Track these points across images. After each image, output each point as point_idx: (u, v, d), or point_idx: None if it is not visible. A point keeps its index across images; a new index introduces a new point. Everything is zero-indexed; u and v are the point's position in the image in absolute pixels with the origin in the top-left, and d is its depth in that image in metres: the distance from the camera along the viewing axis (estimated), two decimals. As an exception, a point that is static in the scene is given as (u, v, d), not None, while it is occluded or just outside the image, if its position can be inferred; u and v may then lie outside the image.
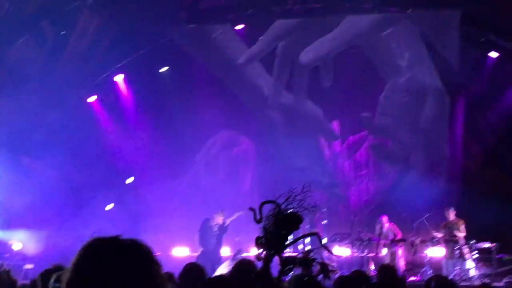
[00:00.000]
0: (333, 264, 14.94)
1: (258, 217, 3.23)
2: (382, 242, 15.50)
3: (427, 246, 15.40)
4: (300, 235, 3.65)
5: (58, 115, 16.12)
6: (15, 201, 14.79)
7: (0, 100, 14.07)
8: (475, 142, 17.73)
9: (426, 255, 15.40)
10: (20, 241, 15.59)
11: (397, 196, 16.91)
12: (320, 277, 3.53)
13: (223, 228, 15.20)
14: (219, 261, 14.78)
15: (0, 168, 14.78)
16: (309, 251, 3.32)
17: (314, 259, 3.31)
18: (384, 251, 15.59)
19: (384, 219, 15.65)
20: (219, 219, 15.21)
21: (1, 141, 14.44)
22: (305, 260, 3.21)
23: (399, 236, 15.50)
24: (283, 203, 3.26)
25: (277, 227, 3.21)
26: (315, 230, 15.86)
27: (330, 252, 3.61)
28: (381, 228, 15.59)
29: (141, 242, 2.05)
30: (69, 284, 1.93)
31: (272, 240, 3.23)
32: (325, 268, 3.33)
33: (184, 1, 17.07)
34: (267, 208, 3.32)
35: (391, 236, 15.47)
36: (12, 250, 15.39)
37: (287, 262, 3.16)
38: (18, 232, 15.56)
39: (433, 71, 17.18)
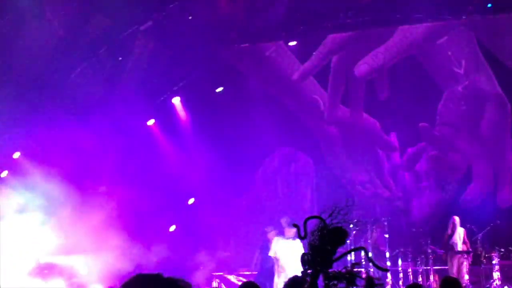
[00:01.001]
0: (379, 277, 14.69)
1: (302, 233, 3.23)
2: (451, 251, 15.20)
3: (494, 257, 15.01)
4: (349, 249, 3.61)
5: (120, 141, 16.42)
6: (79, 226, 15.10)
7: (62, 127, 14.41)
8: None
9: (494, 266, 15.00)
10: (86, 265, 15.88)
11: (460, 207, 16.59)
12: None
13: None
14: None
15: (66, 194, 15.11)
16: (354, 264, 3.29)
17: (358, 273, 3.27)
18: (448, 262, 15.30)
19: (457, 218, 15.33)
20: (272, 235, 15.11)
21: (68, 167, 14.77)
22: (349, 275, 3.17)
23: (467, 245, 15.20)
24: (327, 218, 3.24)
25: (322, 242, 3.20)
26: (376, 244, 15.70)
27: (377, 267, 3.54)
28: (453, 227, 15.28)
29: (179, 280, 2.11)
30: None
31: (317, 256, 3.22)
32: (371, 282, 3.29)
33: (236, 22, 17.23)
34: (311, 224, 3.31)
35: (461, 239, 15.15)
36: (79, 274, 15.68)
37: (331, 278, 3.14)
38: (83, 257, 15.87)
39: (491, 77, 16.83)
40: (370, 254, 15.18)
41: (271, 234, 15.17)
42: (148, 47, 16.26)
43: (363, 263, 14.05)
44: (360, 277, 3.28)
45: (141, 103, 16.97)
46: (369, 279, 3.35)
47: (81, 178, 15.63)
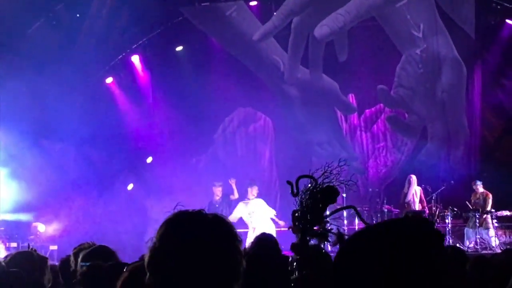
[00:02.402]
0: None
1: (295, 190, 3.31)
2: (404, 211, 15.58)
3: (447, 216, 15.47)
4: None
5: (76, 98, 16.20)
6: (37, 183, 14.97)
7: (18, 85, 14.14)
8: (493, 111, 17.68)
9: (447, 225, 15.47)
10: (43, 223, 15.80)
11: (416, 168, 16.98)
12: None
13: (226, 198, 15.30)
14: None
15: (22, 152, 14.93)
16: (325, 222, 3.37)
17: (329, 230, 3.37)
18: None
19: (414, 177, 15.69)
20: (218, 191, 15.30)
21: (22, 126, 14.55)
22: (321, 231, 3.28)
23: (424, 203, 15.61)
24: (319, 177, 3.33)
25: (313, 200, 3.29)
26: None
27: (366, 224, 3.63)
28: (409, 186, 15.64)
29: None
30: (153, 256, 2.02)
31: (308, 213, 3.31)
32: (341, 239, 3.40)
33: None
34: (302, 183, 3.39)
35: (417, 198, 15.54)
36: (37, 232, 15.60)
37: (308, 233, 3.24)
38: (41, 214, 15.76)
39: (449, 41, 17.07)
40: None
41: (217, 189, 15.33)
42: (107, 4, 15.97)
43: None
44: (333, 233, 3.39)
45: (100, 61, 16.75)
46: (340, 235, 3.45)
47: (38, 135, 15.44)
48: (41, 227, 15.78)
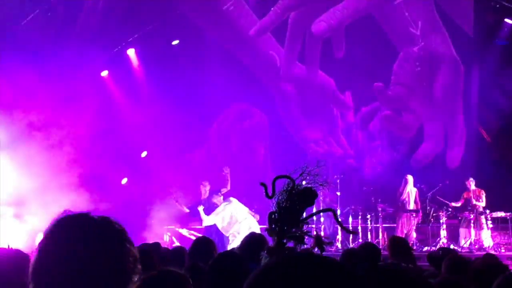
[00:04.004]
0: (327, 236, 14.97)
1: (270, 192, 3.20)
2: (399, 210, 15.52)
3: (442, 216, 15.38)
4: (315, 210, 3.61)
5: (72, 90, 16.10)
6: (27, 176, 14.85)
7: (13, 74, 14.02)
8: (490, 111, 17.57)
9: (441, 225, 15.38)
10: (32, 216, 15.66)
11: (411, 167, 16.90)
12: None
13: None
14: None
15: (14, 144, 14.81)
16: (303, 223, 3.27)
17: (306, 232, 3.28)
18: (396, 221, 15.64)
19: (410, 178, 15.60)
20: (204, 190, 15.14)
21: (15, 115, 14.44)
22: (299, 233, 3.18)
23: (418, 205, 15.53)
24: (297, 178, 3.22)
25: (291, 202, 3.18)
26: (326, 201, 15.88)
27: (346, 230, 3.56)
28: (404, 185, 15.56)
29: (112, 220, 2.00)
30: (36, 264, 1.89)
31: (285, 215, 3.21)
32: (319, 241, 3.30)
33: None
34: (280, 183, 3.29)
35: (412, 199, 15.46)
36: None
37: (274, 235, 3.14)
38: (29, 208, 15.64)
39: (447, 40, 16.98)
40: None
41: (204, 188, 15.18)
42: (103, -4, 15.87)
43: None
44: (310, 235, 3.29)
45: (95, 53, 16.63)
46: (318, 237, 3.36)
47: (31, 127, 15.33)
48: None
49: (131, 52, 17.94)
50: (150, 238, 15.81)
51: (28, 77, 14.21)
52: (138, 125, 18.35)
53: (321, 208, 10.75)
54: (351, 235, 15.48)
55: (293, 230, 3.21)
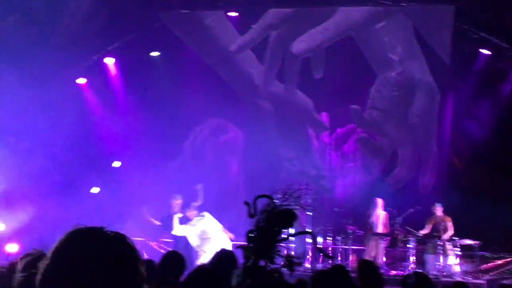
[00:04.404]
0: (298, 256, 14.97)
1: (252, 211, 3.21)
2: (367, 233, 15.57)
3: (411, 241, 15.47)
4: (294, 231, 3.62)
5: (47, 96, 15.97)
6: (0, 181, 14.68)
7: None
8: (463, 139, 17.80)
9: (409, 250, 15.48)
10: (2, 221, 15.46)
11: (383, 190, 16.98)
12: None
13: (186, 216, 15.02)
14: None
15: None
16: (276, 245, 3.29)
17: (278, 251, 3.29)
18: (365, 244, 15.70)
19: (379, 201, 15.68)
20: (176, 204, 14.91)
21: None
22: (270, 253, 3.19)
23: (387, 228, 15.60)
24: (279, 199, 3.23)
25: (269, 223, 3.19)
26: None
27: (325, 254, 3.58)
28: (374, 209, 15.63)
29: (126, 237, 1.99)
30: (46, 273, 1.87)
31: (263, 235, 3.21)
32: (290, 261, 3.32)
33: (177, -14, 16.94)
34: (261, 201, 3.29)
35: (381, 222, 15.53)
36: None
37: (251, 254, 3.15)
38: (1, 213, 15.43)
39: (424, 66, 17.19)
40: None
41: (176, 202, 14.99)
42: (85, 4, 15.78)
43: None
44: (280, 254, 3.30)
45: (73, 60, 16.52)
46: (288, 257, 3.38)
47: (3, 132, 15.17)
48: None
49: (109, 61, 17.84)
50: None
51: (5, 79, 14.10)
52: (113, 135, 18.25)
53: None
54: (320, 256, 15.51)
55: (270, 250, 3.22)
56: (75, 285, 1.82)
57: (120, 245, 1.93)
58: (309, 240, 15.20)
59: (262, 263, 3.29)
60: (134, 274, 1.90)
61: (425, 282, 6.30)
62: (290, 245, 15.48)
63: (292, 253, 14.28)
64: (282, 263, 3.30)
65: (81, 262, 1.84)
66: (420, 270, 14.41)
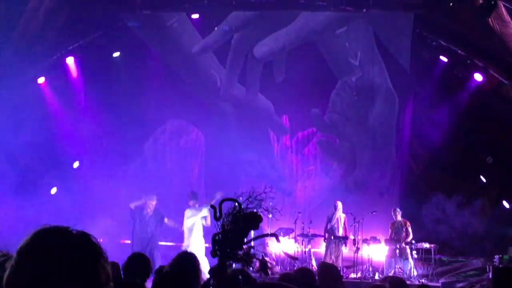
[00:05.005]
0: (273, 261, 15.13)
1: (218, 214, 3.26)
2: (327, 236, 15.71)
3: (369, 244, 15.67)
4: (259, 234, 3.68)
5: (6, 95, 15.76)
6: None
7: None
8: (421, 143, 18.11)
9: (368, 254, 15.68)
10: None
11: (343, 193, 17.15)
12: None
13: (158, 214, 15.04)
14: (157, 248, 14.80)
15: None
16: (250, 247, 3.36)
17: (254, 255, 3.36)
18: (325, 246, 15.84)
19: (339, 204, 15.83)
20: (151, 205, 14.99)
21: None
22: (245, 256, 3.25)
23: (346, 231, 15.77)
24: (243, 202, 3.28)
25: (235, 225, 3.24)
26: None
27: (290, 257, 3.66)
28: (334, 212, 15.76)
29: (90, 235, 2.02)
30: (11, 273, 1.88)
31: (229, 238, 3.26)
32: (264, 265, 3.39)
33: (140, -14, 16.87)
34: (226, 205, 3.35)
35: (341, 225, 15.68)
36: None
37: (229, 258, 3.21)
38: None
39: (384, 72, 17.45)
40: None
41: (151, 203, 15.05)
42: (45, 3, 15.61)
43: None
44: (257, 258, 3.37)
45: (33, 60, 16.32)
46: (263, 261, 3.45)
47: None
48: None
49: (70, 61, 17.66)
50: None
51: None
52: (73, 135, 18.07)
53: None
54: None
55: (238, 252, 3.28)
56: (40, 284, 1.84)
57: (84, 244, 1.95)
58: (270, 242, 15.29)
59: (238, 265, 3.34)
60: (99, 273, 1.93)
61: (401, 285, 6.34)
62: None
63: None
64: (255, 266, 3.37)
65: (46, 261, 1.86)
66: (377, 274, 14.67)
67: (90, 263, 1.91)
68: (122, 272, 5.74)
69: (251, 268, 3.42)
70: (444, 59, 17.06)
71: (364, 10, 16.59)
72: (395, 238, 15.41)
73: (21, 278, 1.86)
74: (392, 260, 15.32)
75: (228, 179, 17.03)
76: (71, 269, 1.87)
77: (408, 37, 16.54)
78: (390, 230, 15.64)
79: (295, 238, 16.09)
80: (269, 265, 3.46)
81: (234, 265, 3.38)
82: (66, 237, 1.94)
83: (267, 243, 15.43)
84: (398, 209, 15.75)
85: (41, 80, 17.33)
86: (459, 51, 16.62)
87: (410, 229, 15.45)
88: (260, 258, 3.32)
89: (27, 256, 1.89)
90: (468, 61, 16.65)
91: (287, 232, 16.19)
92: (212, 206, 3.27)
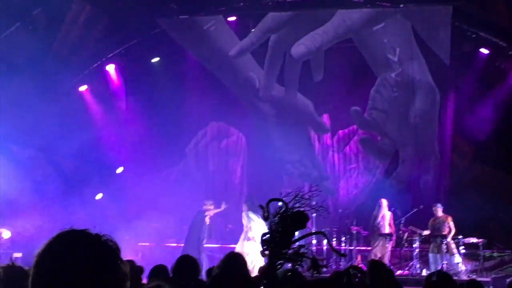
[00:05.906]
0: (323, 258, 15.09)
1: (266, 214, 3.28)
2: (373, 233, 15.62)
3: (415, 241, 15.52)
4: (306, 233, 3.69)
5: (49, 104, 16.03)
6: (4, 189, 14.73)
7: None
8: (464, 138, 17.86)
9: (414, 249, 15.53)
10: (9, 229, 15.52)
11: (386, 191, 17.03)
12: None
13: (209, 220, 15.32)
14: (204, 251, 15.01)
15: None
16: (300, 246, 3.37)
17: (304, 254, 3.36)
18: (371, 244, 15.75)
19: (384, 202, 15.71)
20: (211, 211, 15.31)
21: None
22: (295, 255, 3.26)
23: (392, 228, 15.65)
24: (290, 201, 3.30)
25: (283, 225, 3.26)
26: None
27: (335, 251, 3.66)
28: (379, 210, 15.67)
29: (108, 238, 2.06)
30: (35, 272, 1.95)
31: (277, 237, 3.28)
32: (315, 263, 3.39)
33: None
34: (273, 205, 3.37)
35: (387, 222, 15.58)
36: (1, 238, 15.32)
37: (279, 258, 3.22)
38: (5, 221, 15.49)
39: (424, 67, 17.23)
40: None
41: (211, 207, 15.32)
42: (85, 12, 15.86)
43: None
44: (307, 257, 3.38)
45: (75, 68, 16.60)
46: (314, 259, 3.45)
47: (7, 140, 15.23)
48: (5, 234, 15.49)
49: (110, 68, 17.92)
50: (124, 255, 15.75)
51: (7, 89, 14.17)
52: (115, 141, 18.31)
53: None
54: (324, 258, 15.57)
55: (285, 251, 3.29)
56: (58, 286, 1.90)
57: (100, 245, 2.00)
58: (314, 241, 15.29)
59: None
60: (115, 273, 1.98)
61: (448, 281, 6.24)
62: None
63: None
64: (307, 265, 3.38)
65: (63, 262, 1.92)
66: (424, 270, 14.52)
67: (106, 263, 1.97)
68: (171, 274, 5.80)
69: (303, 267, 3.42)
70: (485, 51, 16.80)
71: (401, 5, 16.44)
72: (437, 234, 15.22)
73: (42, 277, 1.93)
74: (437, 256, 15.12)
75: (270, 180, 17.07)
76: (87, 270, 1.92)
77: (447, 30, 16.29)
78: (431, 226, 15.44)
79: (339, 236, 16.05)
80: (320, 263, 3.46)
81: (288, 264, 3.40)
82: (82, 239, 2.00)
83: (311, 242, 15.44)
84: (438, 205, 15.53)
85: (83, 88, 17.61)
86: (500, 43, 16.34)
87: (452, 224, 15.20)
88: (311, 256, 3.32)
89: (44, 259, 1.96)
90: (510, 52, 16.36)
91: (331, 231, 16.15)
92: (261, 206, 3.29)
